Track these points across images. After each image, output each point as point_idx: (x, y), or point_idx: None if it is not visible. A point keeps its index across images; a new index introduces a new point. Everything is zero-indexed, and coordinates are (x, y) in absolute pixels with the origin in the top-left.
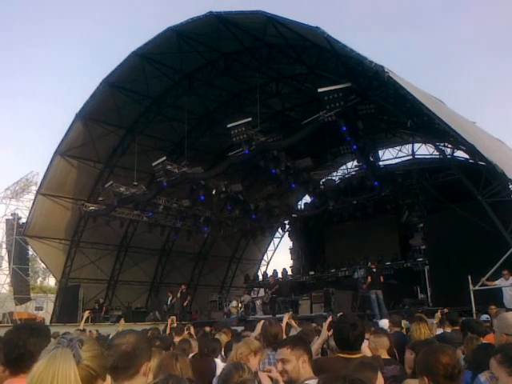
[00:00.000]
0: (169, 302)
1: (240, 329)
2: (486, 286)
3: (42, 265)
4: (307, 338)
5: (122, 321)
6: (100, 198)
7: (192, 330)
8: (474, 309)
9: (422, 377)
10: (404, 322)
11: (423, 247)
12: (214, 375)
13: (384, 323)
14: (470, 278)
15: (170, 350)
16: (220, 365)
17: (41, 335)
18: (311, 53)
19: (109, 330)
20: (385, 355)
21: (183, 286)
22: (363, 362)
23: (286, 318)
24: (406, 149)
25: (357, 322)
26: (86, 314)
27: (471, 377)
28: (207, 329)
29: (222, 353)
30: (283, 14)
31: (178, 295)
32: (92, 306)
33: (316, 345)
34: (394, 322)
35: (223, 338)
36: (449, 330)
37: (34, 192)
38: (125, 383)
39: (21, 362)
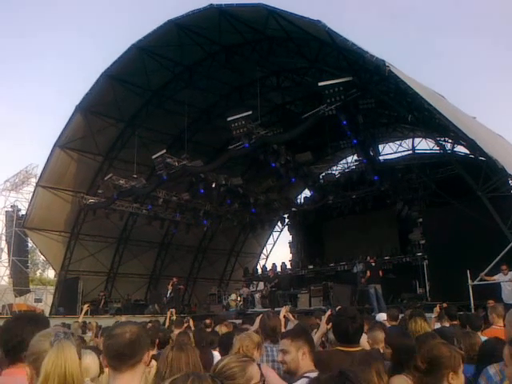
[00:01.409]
0: (168, 295)
1: (238, 322)
2: (485, 280)
3: (42, 257)
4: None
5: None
6: (100, 191)
7: (191, 323)
8: (472, 303)
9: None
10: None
11: (422, 242)
12: (210, 367)
13: (381, 317)
14: (468, 272)
15: (169, 343)
16: (218, 357)
17: (39, 325)
18: (312, 46)
19: (108, 322)
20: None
21: (174, 279)
22: (367, 354)
23: (283, 311)
24: (406, 143)
25: (356, 315)
26: (85, 307)
27: (474, 372)
28: (207, 321)
29: None
30: (284, 7)
31: (170, 288)
32: (91, 298)
33: (315, 338)
34: (391, 316)
35: (222, 330)
36: (447, 324)
37: (34, 184)
38: (127, 371)
39: (18, 351)
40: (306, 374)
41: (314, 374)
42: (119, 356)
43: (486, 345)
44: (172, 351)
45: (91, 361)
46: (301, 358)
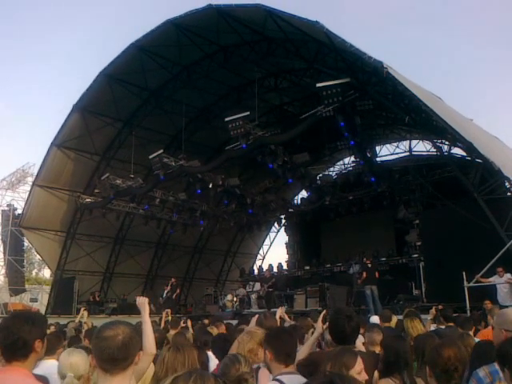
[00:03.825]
0: (164, 295)
1: (234, 323)
2: (481, 282)
3: (38, 256)
4: (294, 332)
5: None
6: (96, 191)
7: (189, 324)
8: (468, 305)
9: (425, 367)
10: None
11: (419, 243)
12: (206, 368)
13: (375, 319)
14: (464, 274)
15: (164, 344)
16: (212, 358)
17: (36, 324)
18: (310, 47)
19: (103, 321)
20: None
21: (173, 279)
22: (344, 348)
23: (278, 312)
24: (404, 145)
25: (352, 314)
26: (82, 311)
27: (468, 373)
28: (206, 321)
29: None
30: (283, 8)
31: (169, 288)
32: (87, 298)
33: (312, 339)
34: (384, 317)
35: (215, 331)
36: (443, 326)
37: (30, 183)
38: (119, 374)
39: (14, 349)
40: (277, 377)
41: (285, 377)
42: (113, 359)
43: (478, 347)
44: (168, 352)
45: (79, 358)
46: (268, 362)
